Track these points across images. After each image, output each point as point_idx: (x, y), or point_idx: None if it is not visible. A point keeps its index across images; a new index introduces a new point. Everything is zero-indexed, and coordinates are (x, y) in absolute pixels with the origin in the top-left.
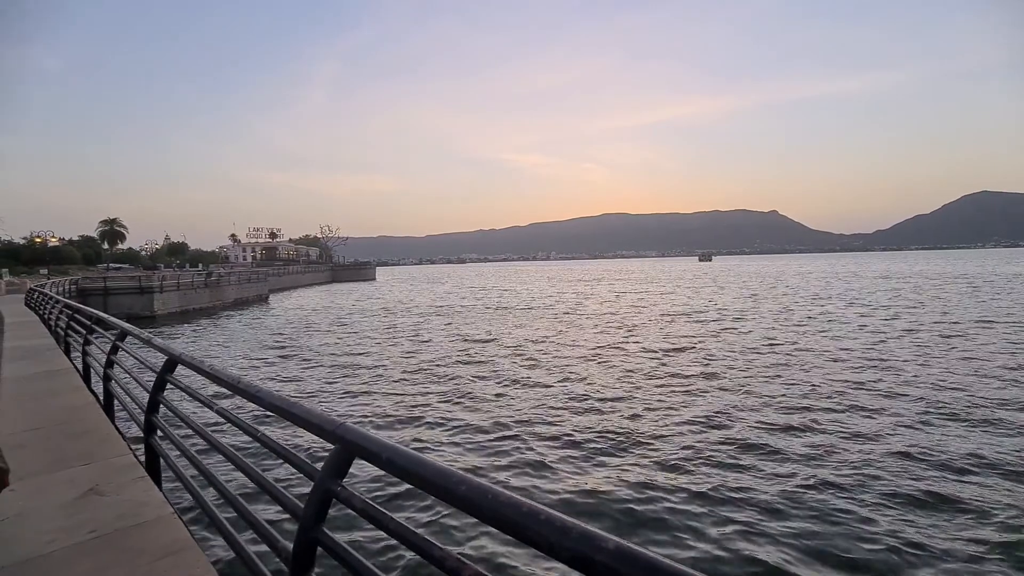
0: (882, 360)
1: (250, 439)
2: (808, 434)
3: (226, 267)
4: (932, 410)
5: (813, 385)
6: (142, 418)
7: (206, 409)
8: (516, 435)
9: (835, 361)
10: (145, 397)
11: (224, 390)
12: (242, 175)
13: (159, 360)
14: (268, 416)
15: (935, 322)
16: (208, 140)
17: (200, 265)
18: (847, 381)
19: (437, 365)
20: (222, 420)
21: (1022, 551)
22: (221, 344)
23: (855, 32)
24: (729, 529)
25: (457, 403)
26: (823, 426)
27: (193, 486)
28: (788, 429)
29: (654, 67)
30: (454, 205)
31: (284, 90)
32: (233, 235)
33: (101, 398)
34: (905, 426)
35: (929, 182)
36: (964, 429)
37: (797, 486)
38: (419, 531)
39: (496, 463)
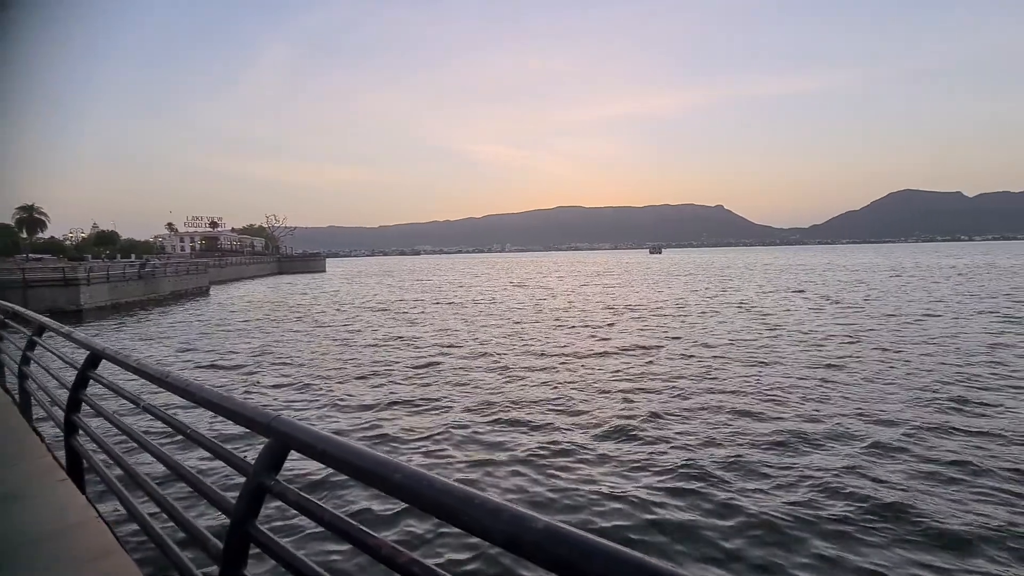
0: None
1: (180, 436)
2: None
3: (162, 258)
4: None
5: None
6: (62, 418)
7: (132, 406)
8: (464, 429)
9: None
10: (65, 395)
11: (152, 385)
12: (181, 161)
13: (81, 356)
14: (200, 411)
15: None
16: (141, 122)
17: (133, 256)
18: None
19: (386, 364)
20: (150, 417)
21: None
22: (154, 340)
23: (803, 32)
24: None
25: (406, 399)
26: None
27: (118, 487)
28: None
29: (612, 63)
30: (408, 196)
31: (230, 73)
32: (170, 224)
33: (17, 397)
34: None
35: (861, 179)
36: None
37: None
38: (354, 521)
39: (447, 456)
